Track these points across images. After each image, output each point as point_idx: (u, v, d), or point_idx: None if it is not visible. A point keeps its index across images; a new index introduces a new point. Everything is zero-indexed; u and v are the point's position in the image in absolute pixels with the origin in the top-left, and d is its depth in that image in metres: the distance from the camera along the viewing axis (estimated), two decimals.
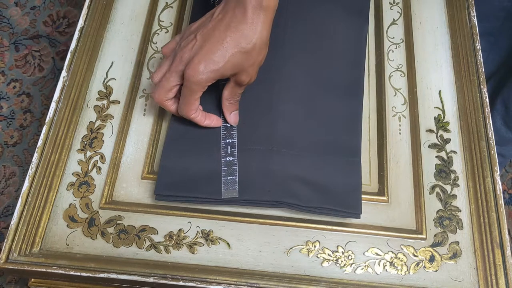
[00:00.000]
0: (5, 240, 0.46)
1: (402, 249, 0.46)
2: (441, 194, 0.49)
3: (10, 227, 0.46)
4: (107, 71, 0.55)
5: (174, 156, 0.48)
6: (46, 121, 0.51)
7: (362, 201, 0.46)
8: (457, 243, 0.46)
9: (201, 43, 0.43)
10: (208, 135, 0.49)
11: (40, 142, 0.50)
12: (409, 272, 0.45)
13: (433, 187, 0.49)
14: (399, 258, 0.46)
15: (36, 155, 0.49)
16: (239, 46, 0.42)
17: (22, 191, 0.48)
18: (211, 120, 0.48)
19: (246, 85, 0.46)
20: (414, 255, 0.46)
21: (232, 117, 0.49)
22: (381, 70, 0.55)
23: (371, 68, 0.55)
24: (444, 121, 0.52)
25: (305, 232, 0.47)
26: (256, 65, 0.45)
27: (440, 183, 0.49)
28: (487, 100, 0.53)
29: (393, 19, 0.59)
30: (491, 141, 0.51)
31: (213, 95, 0.50)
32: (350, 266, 0.45)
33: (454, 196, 0.48)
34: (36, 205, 0.47)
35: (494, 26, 0.61)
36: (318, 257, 0.46)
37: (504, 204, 0.56)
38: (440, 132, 0.52)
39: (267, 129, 0.49)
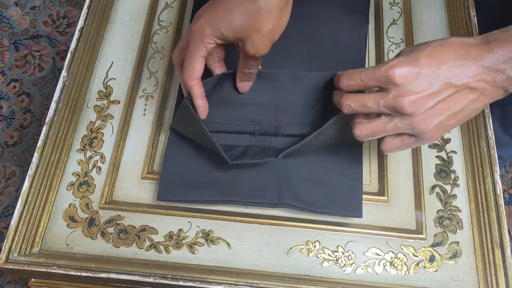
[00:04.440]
0: (5, 240, 0.46)
1: (402, 249, 0.46)
2: (441, 194, 0.49)
3: (10, 227, 0.46)
4: (107, 71, 0.55)
5: (176, 160, 0.48)
6: (46, 121, 0.51)
7: (362, 201, 0.47)
8: (457, 243, 0.46)
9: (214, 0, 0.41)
10: (209, 138, 0.49)
11: (40, 142, 0.50)
12: (409, 272, 0.45)
13: (433, 187, 0.49)
14: (399, 258, 0.46)
15: (36, 155, 0.49)
16: (244, 5, 0.38)
17: (22, 191, 0.48)
18: (205, 105, 0.45)
19: (254, 58, 0.42)
20: (414, 255, 0.46)
21: (241, 85, 0.46)
22: None
23: None
24: None
25: (305, 232, 0.47)
26: (264, 35, 0.40)
27: (440, 183, 0.49)
28: None
29: (393, 19, 0.59)
30: (491, 141, 0.51)
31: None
32: (350, 266, 0.45)
33: (454, 196, 0.48)
34: (36, 205, 0.47)
35: (487, 28, 0.61)
36: (318, 257, 0.46)
37: (504, 204, 0.56)
38: None
39: (268, 130, 0.49)
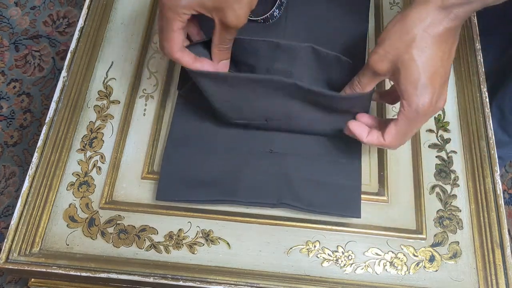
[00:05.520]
0: (5, 240, 0.46)
1: (402, 249, 0.46)
2: (441, 194, 0.49)
3: (10, 227, 0.46)
4: (107, 71, 0.55)
5: (176, 160, 0.48)
6: (46, 121, 0.51)
7: (362, 201, 0.47)
8: (457, 243, 0.46)
9: None
10: (208, 138, 0.49)
11: (40, 142, 0.50)
12: (409, 272, 0.45)
13: (433, 187, 0.49)
14: (399, 258, 0.46)
15: (36, 155, 0.49)
16: None
17: (22, 191, 0.48)
18: (202, 64, 0.42)
19: (234, 29, 0.39)
20: (414, 255, 0.46)
21: (221, 66, 0.43)
22: None
23: None
24: (444, 121, 0.52)
25: (305, 232, 0.47)
26: (246, 3, 0.38)
27: (440, 183, 0.49)
28: (487, 100, 0.53)
29: None
30: (491, 141, 0.51)
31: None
32: (350, 266, 0.45)
33: (454, 196, 0.48)
34: (36, 205, 0.47)
35: (483, 30, 0.61)
36: (318, 257, 0.46)
37: (504, 204, 0.56)
38: (440, 132, 0.52)
39: (268, 131, 0.49)
